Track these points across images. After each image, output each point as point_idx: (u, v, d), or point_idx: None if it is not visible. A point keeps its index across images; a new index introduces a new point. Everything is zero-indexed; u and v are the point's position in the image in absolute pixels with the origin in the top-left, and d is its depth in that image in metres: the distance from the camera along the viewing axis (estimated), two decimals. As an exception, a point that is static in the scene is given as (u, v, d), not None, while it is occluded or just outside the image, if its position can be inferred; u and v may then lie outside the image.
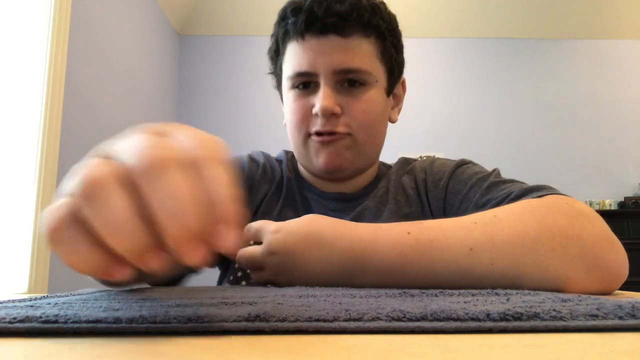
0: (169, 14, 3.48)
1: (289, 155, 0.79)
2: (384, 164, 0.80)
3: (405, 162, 0.78)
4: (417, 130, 3.70)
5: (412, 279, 0.43)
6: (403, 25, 0.74)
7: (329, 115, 0.65)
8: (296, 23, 0.66)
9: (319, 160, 0.68)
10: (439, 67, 3.92)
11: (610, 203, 3.51)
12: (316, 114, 0.65)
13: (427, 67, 3.83)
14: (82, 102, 2.31)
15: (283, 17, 0.69)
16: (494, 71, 3.91)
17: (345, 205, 0.72)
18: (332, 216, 0.68)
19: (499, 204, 0.56)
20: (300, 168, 0.77)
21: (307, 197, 0.73)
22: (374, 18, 0.67)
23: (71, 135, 2.19)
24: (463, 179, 0.66)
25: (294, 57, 0.67)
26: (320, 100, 0.64)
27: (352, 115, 0.66)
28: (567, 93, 3.88)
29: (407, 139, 3.56)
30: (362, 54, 0.66)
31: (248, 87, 3.65)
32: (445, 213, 0.68)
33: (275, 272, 0.48)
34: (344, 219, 0.68)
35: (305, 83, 0.67)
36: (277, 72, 0.75)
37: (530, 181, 0.60)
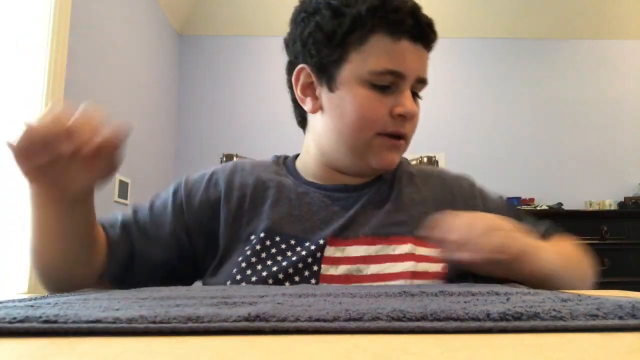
0: (169, 14, 3.48)
1: (281, 160, 0.80)
2: None
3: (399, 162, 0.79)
4: (417, 130, 3.69)
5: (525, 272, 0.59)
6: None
7: (410, 119, 0.68)
8: (401, 21, 0.65)
9: (383, 159, 0.69)
10: (439, 67, 3.91)
11: (610, 203, 3.50)
12: (398, 115, 0.67)
13: (427, 67, 3.82)
14: (82, 102, 2.30)
15: (379, 6, 0.65)
16: (495, 71, 3.91)
17: (349, 195, 0.73)
18: (335, 205, 0.72)
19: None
20: (302, 168, 0.77)
21: (307, 192, 0.73)
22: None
23: (71, 135, 2.19)
24: (495, 208, 0.73)
25: (385, 53, 0.65)
26: (409, 102, 0.67)
27: (412, 123, 0.70)
28: (567, 93, 3.88)
29: (407, 139, 3.55)
30: (427, 68, 0.72)
31: (248, 87, 3.65)
32: None
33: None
34: (348, 208, 0.71)
35: (384, 85, 0.66)
36: (334, 57, 0.67)
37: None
